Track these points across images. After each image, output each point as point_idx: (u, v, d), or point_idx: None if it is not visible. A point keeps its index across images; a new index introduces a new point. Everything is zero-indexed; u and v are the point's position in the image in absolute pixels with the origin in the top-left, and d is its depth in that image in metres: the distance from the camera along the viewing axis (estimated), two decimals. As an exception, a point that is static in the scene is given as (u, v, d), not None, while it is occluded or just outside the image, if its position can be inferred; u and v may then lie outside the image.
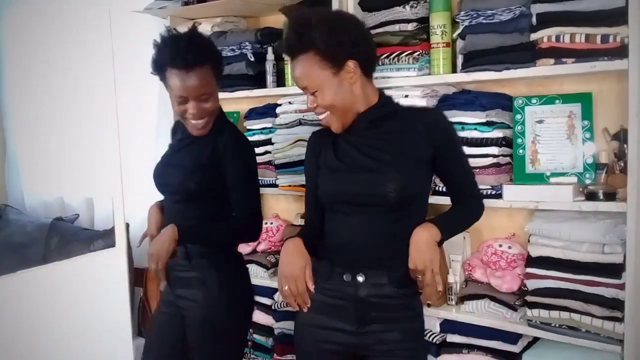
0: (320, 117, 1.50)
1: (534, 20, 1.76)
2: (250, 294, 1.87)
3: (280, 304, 2.36)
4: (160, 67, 1.68)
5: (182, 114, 1.69)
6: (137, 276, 2.69)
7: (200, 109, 1.67)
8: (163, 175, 1.81)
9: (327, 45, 1.40)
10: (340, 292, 1.47)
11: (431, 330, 1.99)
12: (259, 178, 2.00)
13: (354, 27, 1.46)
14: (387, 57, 2.00)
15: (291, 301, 1.46)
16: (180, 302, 1.77)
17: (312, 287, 1.44)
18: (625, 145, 1.70)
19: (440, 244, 1.44)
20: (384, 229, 1.44)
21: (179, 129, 1.84)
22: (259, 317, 2.42)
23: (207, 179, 1.71)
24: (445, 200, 1.89)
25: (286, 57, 2.34)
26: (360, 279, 1.44)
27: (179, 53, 1.63)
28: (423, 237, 1.39)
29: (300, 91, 2.28)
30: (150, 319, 1.86)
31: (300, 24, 1.44)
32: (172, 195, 1.79)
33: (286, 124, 2.29)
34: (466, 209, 1.55)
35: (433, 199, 1.93)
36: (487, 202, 1.85)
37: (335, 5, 2.08)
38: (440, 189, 1.92)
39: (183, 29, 2.55)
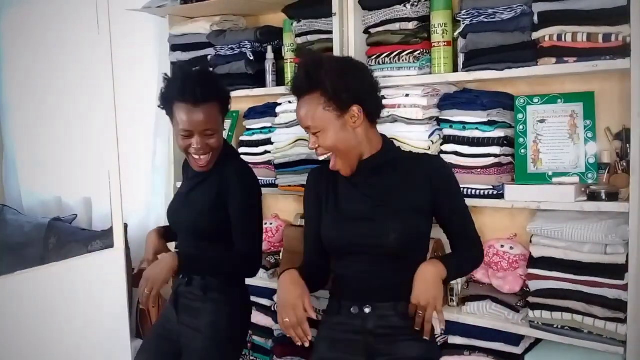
0: (325, 157, 1.53)
1: (535, 19, 1.75)
2: (247, 326, 1.93)
3: (280, 305, 2.35)
4: (168, 100, 1.70)
5: (186, 148, 1.71)
6: (136, 277, 2.67)
7: (204, 144, 1.69)
8: (177, 214, 1.86)
9: (335, 87, 1.43)
10: (349, 325, 1.50)
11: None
12: (259, 178, 2.00)
13: (363, 74, 1.51)
14: (387, 56, 1.99)
15: (292, 333, 1.42)
16: (183, 330, 1.79)
17: (313, 315, 1.42)
18: (627, 145, 1.69)
19: (445, 282, 1.46)
20: (387, 270, 1.49)
21: (190, 166, 1.84)
22: (258, 318, 2.40)
23: (218, 218, 1.74)
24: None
25: (286, 57, 2.33)
26: (367, 310, 1.48)
27: (189, 87, 1.66)
28: (429, 273, 1.43)
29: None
30: (145, 337, 1.90)
31: (310, 64, 1.48)
32: (186, 234, 1.84)
33: (286, 123, 2.28)
34: (468, 254, 1.59)
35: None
36: (488, 202, 1.85)
37: (335, 5, 2.07)
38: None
39: (182, 27, 2.56)
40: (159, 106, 1.76)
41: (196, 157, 1.71)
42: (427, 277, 1.42)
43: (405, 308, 1.45)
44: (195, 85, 1.66)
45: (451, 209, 1.55)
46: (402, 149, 1.66)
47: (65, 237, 2.68)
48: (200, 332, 1.74)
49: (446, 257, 1.54)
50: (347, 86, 1.45)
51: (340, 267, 1.57)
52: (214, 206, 1.74)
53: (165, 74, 1.75)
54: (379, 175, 1.52)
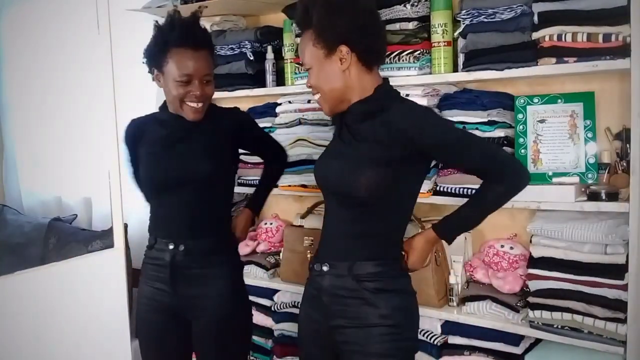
0: (315, 97, 1.50)
1: (535, 19, 1.75)
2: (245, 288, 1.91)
3: (280, 306, 2.35)
4: (163, 47, 1.66)
5: (183, 96, 1.67)
6: (136, 277, 2.67)
7: (203, 91, 1.67)
8: (166, 169, 1.73)
9: (322, 25, 1.39)
10: (314, 282, 1.51)
11: (432, 332, 1.98)
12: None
13: (355, 13, 1.39)
14: (387, 56, 1.98)
15: None
16: (184, 302, 1.72)
17: None
18: (627, 145, 1.69)
19: (446, 238, 1.47)
20: (351, 223, 1.44)
21: (147, 129, 1.79)
22: (258, 318, 2.40)
23: (219, 162, 1.74)
24: (446, 200, 1.89)
25: (286, 57, 2.33)
26: (324, 268, 1.46)
27: (190, 31, 1.65)
28: (419, 242, 1.47)
29: (300, 90, 2.28)
30: (141, 323, 1.82)
31: (306, 0, 1.44)
32: (180, 186, 1.71)
33: (286, 123, 2.28)
34: (478, 196, 1.46)
35: (434, 199, 1.93)
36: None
37: None
38: (441, 188, 1.91)
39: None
40: (144, 57, 1.72)
41: (193, 105, 1.68)
42: (417, 247, 1.47)
43: (360, 269, 1.41)
44: (195, 30, 1.67)
45: (442, 146, 1.38)
46: (401, 99, 1.49)
47: (65, 237, 2.68)
48: (213, 299, 1.71)
49: (443, 220, 1.47)
50: (332, 25, 1.38)
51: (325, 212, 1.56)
52: (215, 150, 1.73)
53: (157, 22, 1.72)
54: (362, 122, 1.43)
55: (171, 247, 1.72)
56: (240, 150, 2.20)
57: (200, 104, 1.68)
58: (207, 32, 1.75)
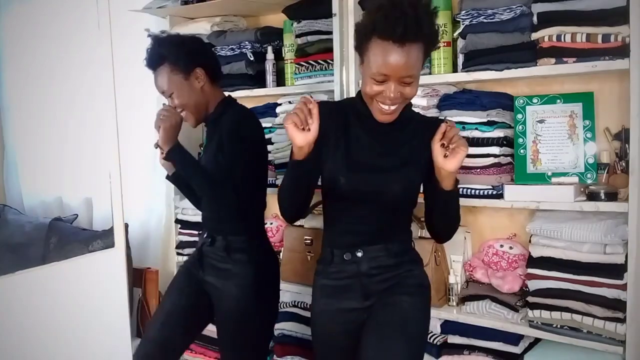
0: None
1: (534, 19, 1.75)
2: (277, 282, 1.93)
3: (280, 305, 2.35)
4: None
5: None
6: (136, 277, 2.68)
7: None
8: None
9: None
10: (344, 272, 1.52)
11: (432, 332, 1.98)
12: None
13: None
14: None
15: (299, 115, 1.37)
16: (208, 288, 1.86)
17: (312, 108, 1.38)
18: (626, 145, 1.70)
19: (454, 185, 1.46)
20: (383, 217, 1.51)
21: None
22: (258, 317, 2.41)
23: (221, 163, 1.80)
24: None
25: (286, 57, 2.34)
26: (359, 254, 1.50)
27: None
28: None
29: (300, 91, 2.29)
30: (172, 282, 1.99)
31: None
32: None
33: (286, 123, 2.28)
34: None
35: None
36: (488, 202, 1.86)
37: (335, 5, 2.07)
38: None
39: (182, 28, 2.56)
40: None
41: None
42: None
43: (396, 247, 1.52)
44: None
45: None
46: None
47: (66, 237, 2.69)
48: (229, 294, 1.80)
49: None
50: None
51: (335, 210, 1.56)
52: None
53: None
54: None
55: (205, 236, 1.91)
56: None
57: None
58: None
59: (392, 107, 1.42)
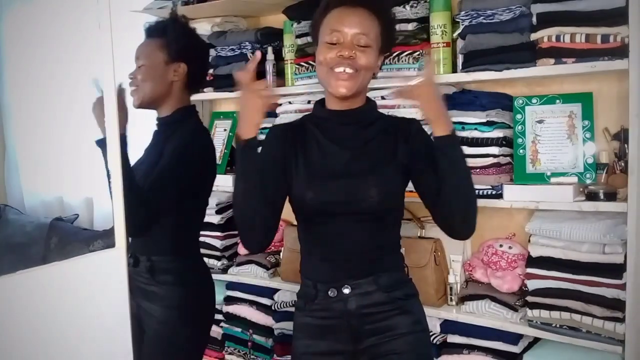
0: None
1: (534, 20, 1.76)
2: (211, 306, 1.82)
3: (280, 305, 2.35)
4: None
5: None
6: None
7: None
8: None
9: None
10: (329, 310, 1.36)
11: (431, 331, 1.99)
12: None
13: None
14: (387, 56, 1.99)
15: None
16: (138, 311, 1.70)
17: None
18: (625, 145, 1.70)
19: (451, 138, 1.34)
20: (366, 236, 1.36)
21: None
22: (258, 317, 2.42)
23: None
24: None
25: (287, 58, 2.34)
26: (346, 291, 1.35)
27: None
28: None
29: (301, 91, 2.29)
30: None
31: None
32: None
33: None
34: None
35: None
36: (487, 202, 1.86)
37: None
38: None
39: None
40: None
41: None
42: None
43: (386, 279, 1.35)
44: None
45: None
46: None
47: (67, 237, 2.69)
48: (154, 317, 1.67)
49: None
50: None
51: (311, 233, 1.41)
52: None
53: None
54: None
55: (128, 256, 1.67)
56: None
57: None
58: None
59: (349, 71, 1.31)
